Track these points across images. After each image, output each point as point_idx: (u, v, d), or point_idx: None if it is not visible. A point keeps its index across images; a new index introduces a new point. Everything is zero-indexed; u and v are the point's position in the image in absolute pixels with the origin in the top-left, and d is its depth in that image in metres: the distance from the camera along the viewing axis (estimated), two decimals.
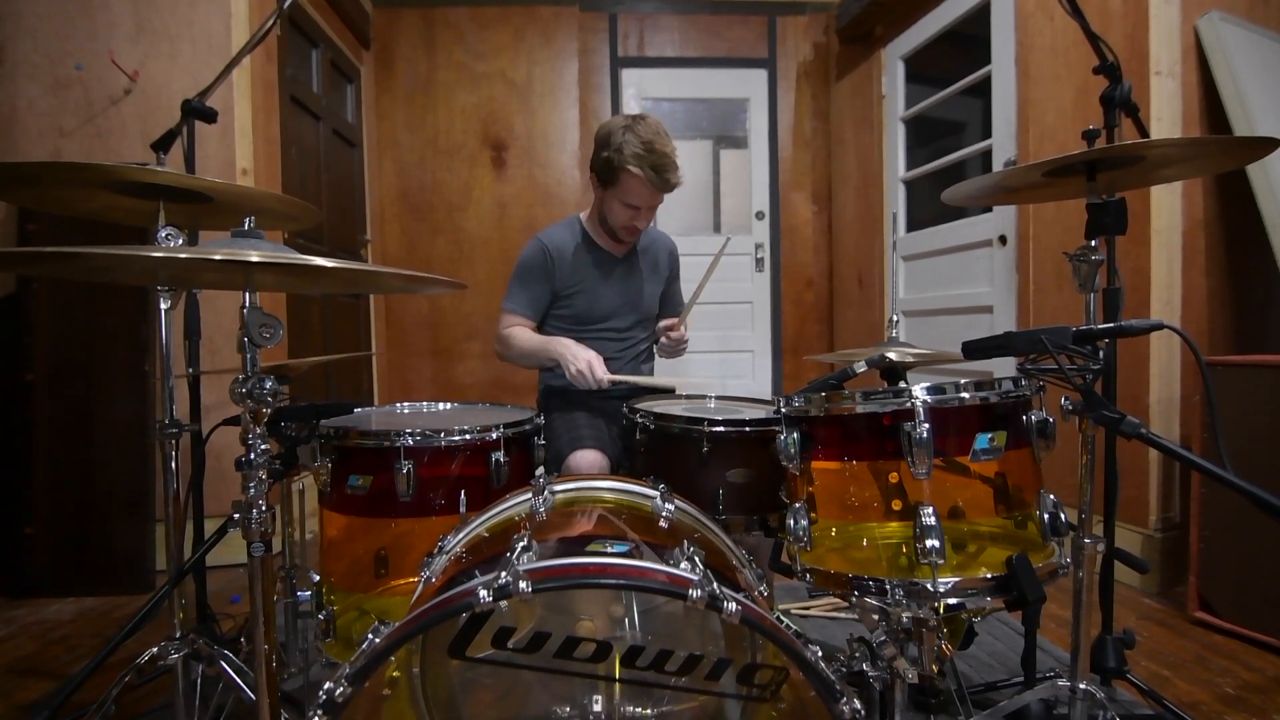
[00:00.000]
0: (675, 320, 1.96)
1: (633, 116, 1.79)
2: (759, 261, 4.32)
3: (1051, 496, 1.13)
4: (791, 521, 1.16)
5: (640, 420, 1.46)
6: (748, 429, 1.39)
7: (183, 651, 1.33)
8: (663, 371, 2.10)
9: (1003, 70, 2.83)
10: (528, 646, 0.90)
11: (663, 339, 1.97)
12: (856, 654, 1.16)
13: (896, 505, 1.09)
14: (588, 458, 1.59)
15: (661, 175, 1.73)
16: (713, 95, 4.33)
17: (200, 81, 1.50)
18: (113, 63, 2.41)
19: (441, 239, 4.02)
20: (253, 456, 0.93)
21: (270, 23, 1.45)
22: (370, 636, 0.84)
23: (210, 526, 1.53)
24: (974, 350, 1.15)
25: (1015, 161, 2.75)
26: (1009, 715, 1.28)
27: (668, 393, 2.02)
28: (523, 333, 1.89)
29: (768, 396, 1.74)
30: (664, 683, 1.00)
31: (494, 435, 1.40)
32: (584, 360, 1.66)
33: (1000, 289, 2.89)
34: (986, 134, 2.96)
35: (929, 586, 1.02)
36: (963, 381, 1.09)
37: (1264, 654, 1.78)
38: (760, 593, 1.04)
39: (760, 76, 4.28)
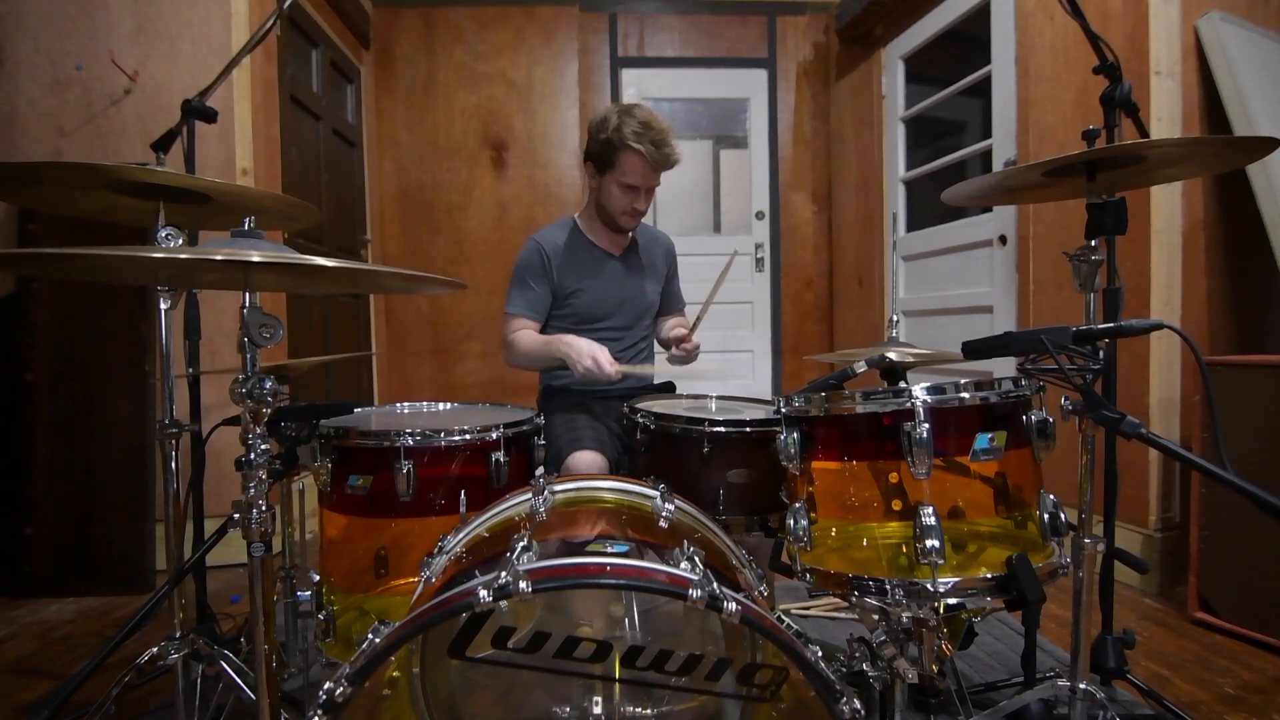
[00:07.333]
0: (686, 332, 1.90)
1: (625, 105, 1.84)
2: (759, 261, 4.32)
3: (1051, 496, 1.12)
4: (791, 521, 1.16)
5: (641, 420, 1.46)
6: (748, 429, 1.39)
7: (183, 651, 1.33)
8: (667, 374, 2.08)
9: (1003, 70, 2.83)
10: (528, 646, 0.90)
11: (674, 350, 1.92)
12: (856, 654, 1.16)
13: (896, 505, 1.09)
14: (586, 458, 1.59)
15: (661, 150, 1.77)
16: (713, 95, 4.33)
17: (200, 81, 1.50)
18: (113, 63, 2.41)
19: (441, 239, 4.02)
20: (253, 456, 0.93)
21: (270, 23, 1.45)
22: (370, 636, 0.84)
23: (210, 526, 1.53)
24: (974, 350, 1.15)
25: (1015, 161, 2.75)
26: (1009, 715, 1.27)
27: (670, 390, 2.01)
28: (526, 335, 1.87)
29: (768, 396, 1.74)
30: (664, 683, 1.00)
31: (494, 435, 1.40)
32: (589, 357, 1.64)
33: (1000, 289, 2.89)
34: (986, 134, 2.96)
35: (929, 586, 1.02)
36: (963, 381, 1.09)
37: (1264, 654, 1.78)
38: (760, 593, 1.04)
39: (760, 76, 4.28)
